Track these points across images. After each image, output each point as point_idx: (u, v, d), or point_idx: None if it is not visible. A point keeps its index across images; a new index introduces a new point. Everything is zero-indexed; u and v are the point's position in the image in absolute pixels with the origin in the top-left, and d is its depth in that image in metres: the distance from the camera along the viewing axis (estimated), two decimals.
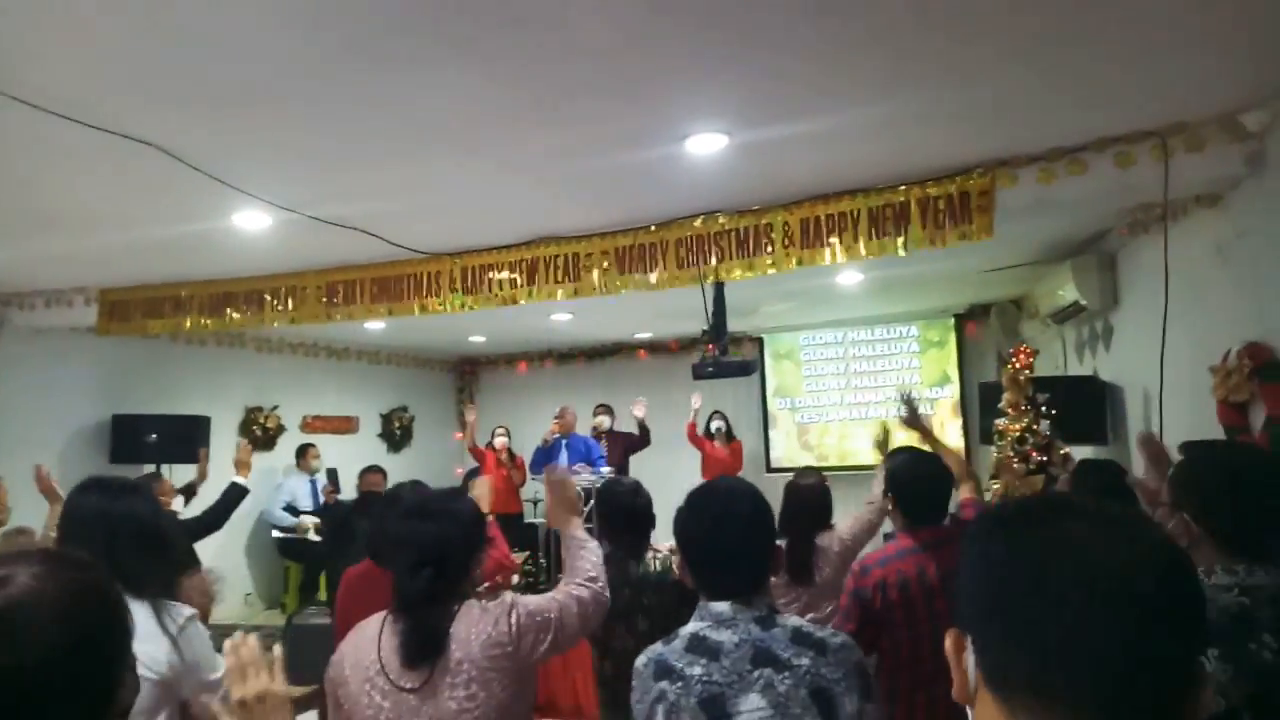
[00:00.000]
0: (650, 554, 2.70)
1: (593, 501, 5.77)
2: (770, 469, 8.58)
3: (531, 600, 1.95)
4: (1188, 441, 1.90)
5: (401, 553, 1.90)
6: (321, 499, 7.57)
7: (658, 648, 1.66)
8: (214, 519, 4.16)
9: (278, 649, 1.34)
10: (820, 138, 3.29)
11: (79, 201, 3.87)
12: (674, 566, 2.65)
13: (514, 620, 1.86)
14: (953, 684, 0.83)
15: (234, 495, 4.20)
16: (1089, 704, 0.70)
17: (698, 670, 1.56)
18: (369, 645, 1.85)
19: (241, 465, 4.22)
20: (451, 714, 1.77)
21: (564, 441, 7.47)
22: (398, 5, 2.25)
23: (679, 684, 1.56)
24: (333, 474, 7.77)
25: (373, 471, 5.94)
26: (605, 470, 7.08)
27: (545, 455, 7.43)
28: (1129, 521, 0.75)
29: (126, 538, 1.98)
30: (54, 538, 3.56)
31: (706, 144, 3.29)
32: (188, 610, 2.00)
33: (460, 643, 1.81)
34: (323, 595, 6.89)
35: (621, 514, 2.85)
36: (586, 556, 2.12)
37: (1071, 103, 3.05)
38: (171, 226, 4.21)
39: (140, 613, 1.92)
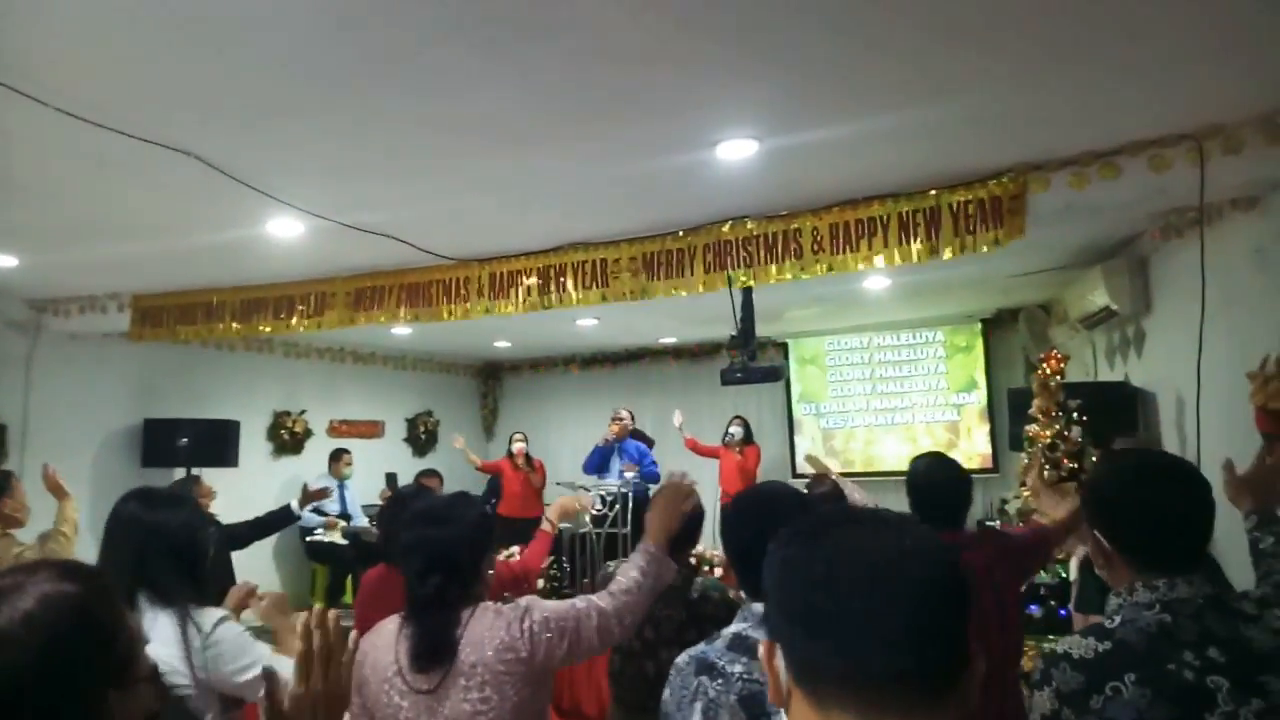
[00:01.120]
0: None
1: (617, 506, 5.87)
2: (795, 475, 8.54)
3: (550, 606, 1.94)
4: (1102, 452, 1.84)
5: (410, 558, 1.91)
6: (348, 504, 7.65)
7: (700, 646, 1.66)
8: (259, 532, 4.33)
9: (353, 635, 1.32)
10: (850, 143, 3.28)
11: (115, 209, 3.92)
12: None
13: (527, 626, 1.86)
14: (769, 689, 0.88)
15: (283, 518, 4.36)
16: (884, 680, 0.77)
17: (738, 668, 1.56)
18: (387, 647, 1.87)
19: (311, 499, 4.45)
20: (466, 715, 1.78)
21: (618, 445, 7.46)
22: (430, 17, 2.27)
23: (719, 681, 1.56)
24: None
25: (428, 475, 5.98)
26: (629, 475, 7.10)
27: (600, 456, 7.42)
28: (901, 522, 0.87)
29: (157, 549, 2.03)
30: (64, 532, 3.67)
31: (737, 150, 3.28)
32: (217, 613, 2.04)
33: (474, 646, 1.82)
34: (348, 598, 6.96)
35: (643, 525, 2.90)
36: (631, 574, 2.08)
37: (1104, 106, 3.02)
38: (206, 234, 4.26)
39: (166, 622, 1.96)
